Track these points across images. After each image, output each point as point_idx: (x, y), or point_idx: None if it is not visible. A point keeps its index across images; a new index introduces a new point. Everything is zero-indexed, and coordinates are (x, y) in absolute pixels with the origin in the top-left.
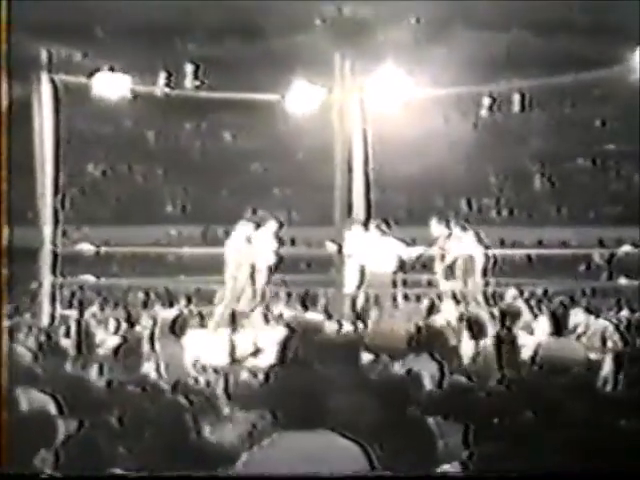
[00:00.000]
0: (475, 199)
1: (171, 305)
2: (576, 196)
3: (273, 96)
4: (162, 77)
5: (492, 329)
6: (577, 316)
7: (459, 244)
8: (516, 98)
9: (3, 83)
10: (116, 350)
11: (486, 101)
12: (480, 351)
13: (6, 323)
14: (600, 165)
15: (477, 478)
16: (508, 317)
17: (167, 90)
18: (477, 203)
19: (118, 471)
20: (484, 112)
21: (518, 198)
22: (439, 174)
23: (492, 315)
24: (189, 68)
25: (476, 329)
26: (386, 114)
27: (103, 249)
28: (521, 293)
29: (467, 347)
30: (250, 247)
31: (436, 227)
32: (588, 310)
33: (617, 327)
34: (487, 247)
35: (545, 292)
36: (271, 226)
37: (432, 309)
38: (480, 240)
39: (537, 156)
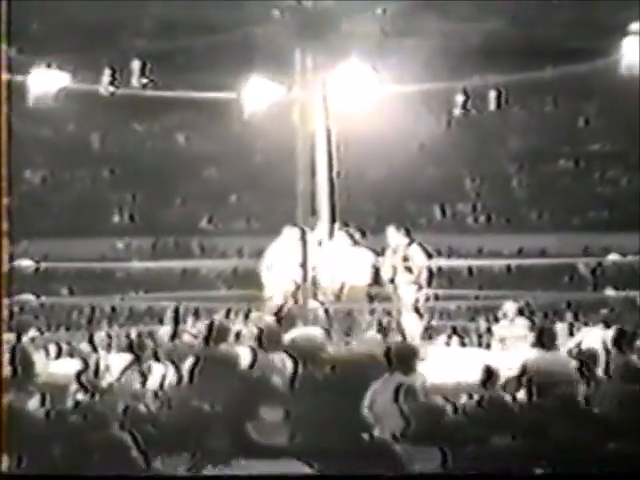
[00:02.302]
0: (449, 205)
1: (120, 326)
2: (558, 200)
3: (229, 94)
4: (106, 74)
5: None
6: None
7: (421, 253)
8: (492, 95)
9: None
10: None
11: (459, 98)
12: None
13: None
14: (584, 167)
15: (475, 478)
16: None
17: (112, 89)
18: (451, 209)
19: None
20: (457, 110)
21: (496, 203)
22: (410, 178)
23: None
24: (136, 64)
25: None
26: (351, 113)
27: (43, 265)
28: None
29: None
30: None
31: (394, 236)
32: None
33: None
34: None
35: (527, 304)
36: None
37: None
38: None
39: (516, 157)
